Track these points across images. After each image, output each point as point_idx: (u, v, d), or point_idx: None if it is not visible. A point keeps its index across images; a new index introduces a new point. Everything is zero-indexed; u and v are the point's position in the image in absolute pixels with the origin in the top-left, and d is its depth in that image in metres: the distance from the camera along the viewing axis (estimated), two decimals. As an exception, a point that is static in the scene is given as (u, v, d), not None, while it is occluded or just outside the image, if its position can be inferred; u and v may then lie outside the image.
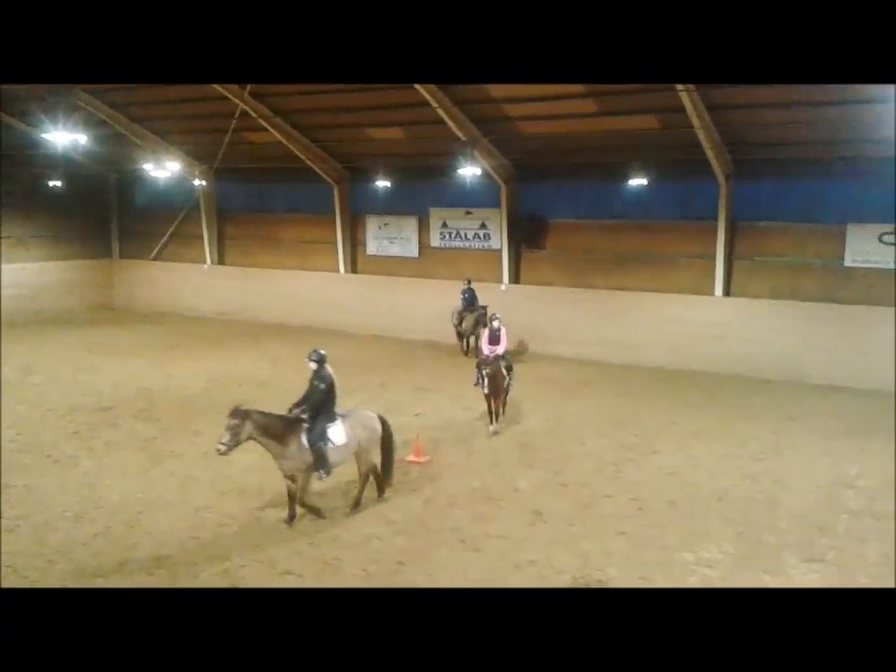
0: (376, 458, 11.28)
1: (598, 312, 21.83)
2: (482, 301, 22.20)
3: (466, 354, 21.76)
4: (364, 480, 11.08)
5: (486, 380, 14.46)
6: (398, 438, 13.59)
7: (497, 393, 14.67)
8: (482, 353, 15.30)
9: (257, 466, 12.68)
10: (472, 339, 21.83)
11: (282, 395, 17.34)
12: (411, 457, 12.99)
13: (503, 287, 23.10)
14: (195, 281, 29.23)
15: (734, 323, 20.12)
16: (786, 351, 19.44)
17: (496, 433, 14.59)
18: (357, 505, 10.92)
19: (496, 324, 15.20)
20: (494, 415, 14.76)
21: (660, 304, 21.13)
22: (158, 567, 9.16)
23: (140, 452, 13.38)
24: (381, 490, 11.33)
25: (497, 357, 14.79)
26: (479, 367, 14.82)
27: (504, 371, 14.74)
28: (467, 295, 22.19)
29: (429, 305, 24.06)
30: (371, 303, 25.43)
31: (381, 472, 11.28)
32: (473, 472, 12.57)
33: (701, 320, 20.44)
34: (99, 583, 8.72)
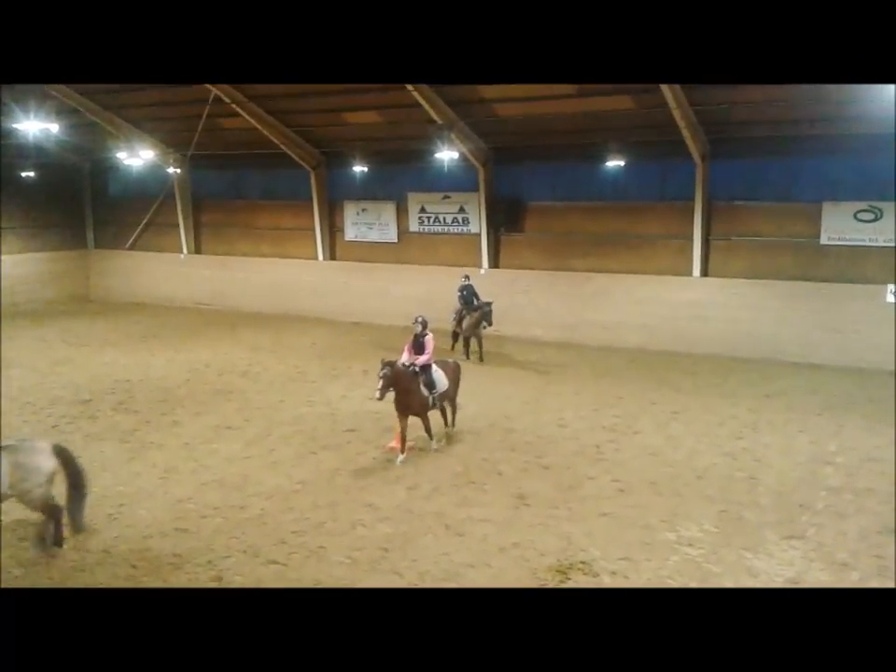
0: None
1: (577, 294, 21.89)
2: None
3: (468, 357, 19.20)
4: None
5: (379, 391, 11.81)
6: (382, 424, 13.65)
7: (404, 411, 12.31)
8: (392, 363, 12.16)
9: (238, 455, 12.68)
10: (473, 341, 19.45)
11: (264, 384, 17.38)
12: (393, 444, 12.98)
13: (482, 272, 23.08)
14: (172, 270, 28.99)
15: (711, 303, 20.26)
16: (763, 330, 19.62)
17: (437, 450, 12.75)
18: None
19: (419, 327, 12.78)
20: (428, 433, 12.76)
21: (638, 286, 21.22)
22: (141, 560, 9.11)
23: (120, 444, 13.29)
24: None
25: (415, 372, 12.39)
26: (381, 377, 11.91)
27: (423, 389, 12.37)
28: (465, 292, 19.73)
29: (409, 291, 24.00)
30: (350, 290, 25.35)
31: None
32: (456, 457, 12.59)
33: (679, 301, 20.56)
34: (82, 577, 8.67)
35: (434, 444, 12.78)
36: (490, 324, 18.93)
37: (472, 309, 19.25)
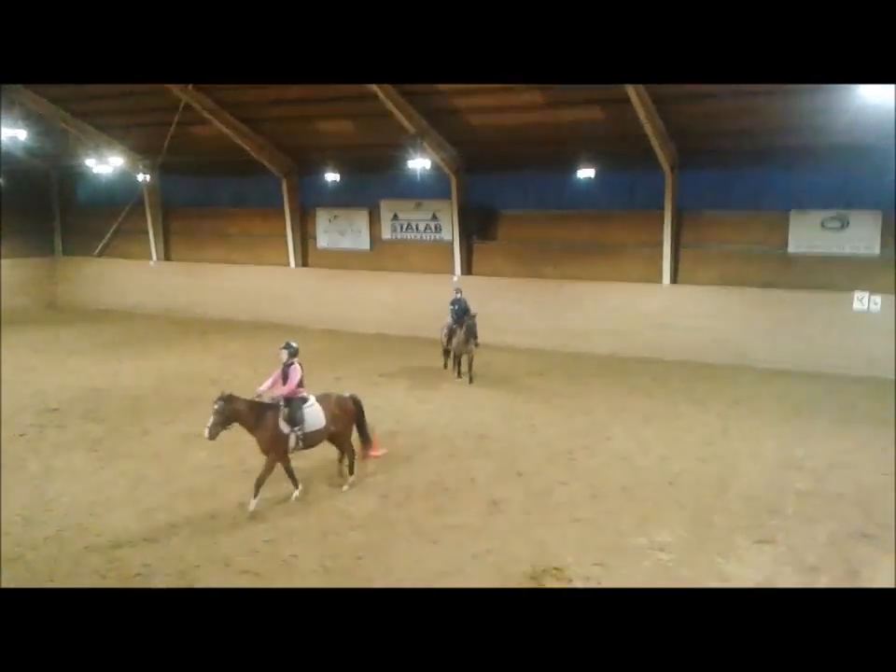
0: None
1: (549, 301, 22.02)
2: (434, 294, 21.96)
3: (459, 376, 18.25)
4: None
5: (209, 428, 10.34)
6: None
7: (262, 450, 10.86)
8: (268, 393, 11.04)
9: (208, 464, 12.56)
10: (465, 359, 18.22)
11: (234, 392, 17.19)
12: (372, 452, 12.94)
13: (455, 279, 23.13)
14: (141, 278, 28.76)
15: (681, 310, 20.48)
16: (732, 337, 19.87)
17: (297, 498, 11.08)
18: None
19: (284, 355, 11.09)
20: (290, 477, 11.07)
21: (609, 293, 21.40)
22: (110, 570, 8.99)
23: (89, 453, 13.11)
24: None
25: (268, 405, 10.78)
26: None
27: (282, 425, 10.69)
28: (456, 306, 18.34)
29: (382, 298, 24.03)
30: (322, 297, 25.29)
31: None
32: (429, 464, 12.58)
33: (649, 308, 20.76)
34: (49, 586, 8.54)
35: (296, 493, 10.98)
36: (475, 337, 17.69)
37: (460, 324, 17.91)
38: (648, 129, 18.21)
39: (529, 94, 18.53)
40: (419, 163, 20.23)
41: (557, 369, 19.61)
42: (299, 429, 10.81)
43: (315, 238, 26.02)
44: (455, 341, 17.99)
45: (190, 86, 20.65)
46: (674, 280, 20.88)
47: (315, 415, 11.00)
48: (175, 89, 20.69)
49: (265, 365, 19.78)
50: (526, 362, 20.16)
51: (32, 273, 29.82)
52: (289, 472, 11.04)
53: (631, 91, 16.71)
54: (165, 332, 24.57)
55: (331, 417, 11.23)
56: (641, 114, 17.56)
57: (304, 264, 26.31)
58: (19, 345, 22.31)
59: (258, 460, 12.68)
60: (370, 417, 14.56)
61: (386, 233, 24.65)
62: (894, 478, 11.67)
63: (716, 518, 10.46)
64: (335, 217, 25.46)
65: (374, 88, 18.71)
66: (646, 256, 21.13)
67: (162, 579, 8.79)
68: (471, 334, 17.59)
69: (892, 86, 11.02)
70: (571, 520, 10.38)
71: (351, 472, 11.65)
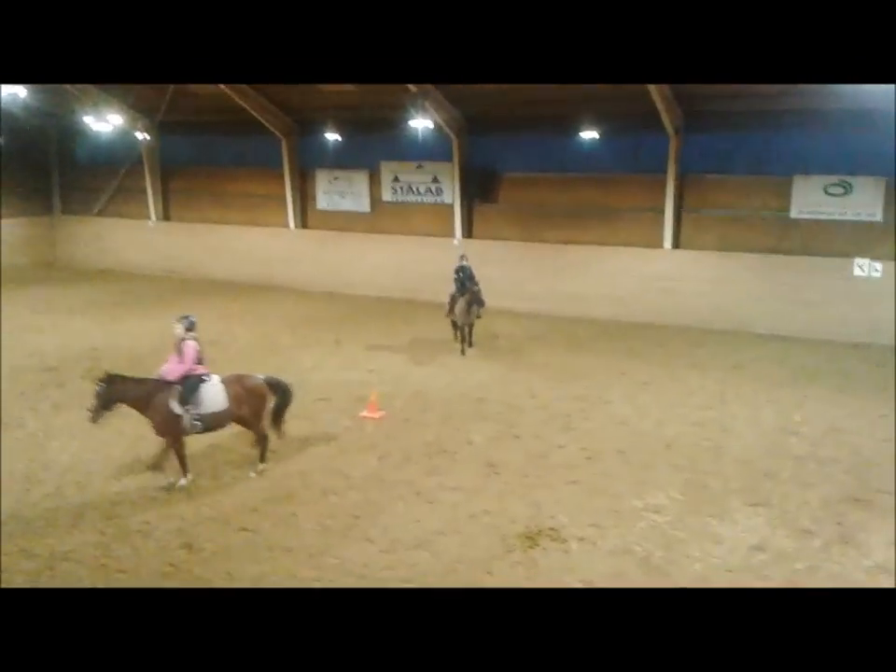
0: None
1: (550, 265, 21.93)
2: (435, 257, 21.91)
3: (462, 352, 17.22)
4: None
5: (91, 412, 9.89)
6: (354, 393, 13.64)
7: (156, 433, 10.25)
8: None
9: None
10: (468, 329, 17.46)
11: (233, 353, 17.26)
12: (365, 413, 13.01)
13: (456, 242, 23.02)
14: (140, 237, 28.63)
15: (682, 275, 20.40)
16: (733, 302, 19.82)
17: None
18: None
19: (179, 329, 10.19)
20: (182, 467, 10.26)
21: (610, 257, 21.31)
22: (109, 526, 9.08)
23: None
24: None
25: (157, 384, 10.12)
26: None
27: (174, 406, 9.91)
28: (461, 274, 17.59)
29: (382, 260, 23.95)
30: (322, 259, 25.20)
31: None
32: (427, 426, 12.64)
33: (650, 273, 20.68)
34: (49, 543, 8.63)
35: (182, 481, 10.17)
36: (481, 306, 17.11)
37: (464, 293, 17.15)
38: (653, 91, 17.98)
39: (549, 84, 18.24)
40: (420, 124, 20.01)
41: (557, 333, 19.61)
42: (193, 409, 9.95)
43: (314, 199, 25.84)
44: (456, 309, 17.23)
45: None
46: (676, 245, 20.77)
47: (213, 396, 10.12)
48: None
49: (263, 325, 19.87)
50: (526, 326, 20.14)
51: (30, 232, 29.69)
52: (181, 458, 10.19)
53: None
54: (164, 293, 24.52)
55: (236, 399, 10.30)
56: (645, 76, 17.32)
57: (304, 226, 26.16)
58: (18, 305, 22.27)
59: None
60: (368, 379, 14.63)
61: (387, 195, 24.48)
62: (893, 444, 11.70)
63: (711, 481, 10.53)
64: (335, 178, 25.27)
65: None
66: (648, 220, 21.00)
67: (161, 536, 8.88)
68: (476, 301, 16.99)
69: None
70: (567, 482, 10.45)
71: (262, 460, 10.73)
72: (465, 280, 17.44)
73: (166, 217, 28.63)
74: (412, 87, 19.81)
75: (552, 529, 9.07)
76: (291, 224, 26.05)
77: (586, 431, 12.50)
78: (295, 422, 12.72)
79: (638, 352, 17.67)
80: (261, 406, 10.66)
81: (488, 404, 13.84)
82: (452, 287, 17.61)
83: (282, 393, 10.88)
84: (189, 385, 10.02)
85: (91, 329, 19.29)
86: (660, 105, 18.56)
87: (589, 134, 20.26)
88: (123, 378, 10.08)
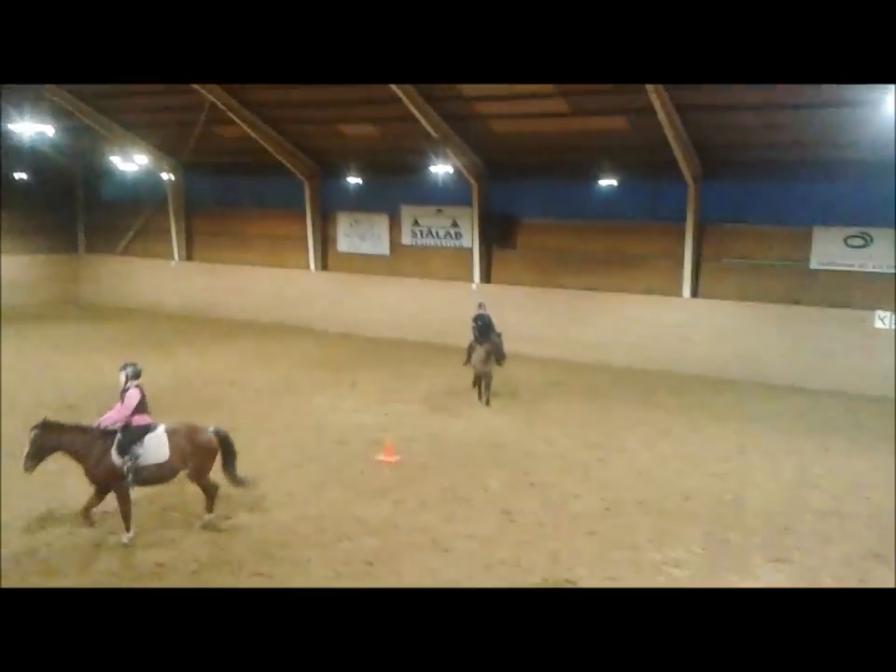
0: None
1: (568, 312, 21.94)
2: (453, 301, 21.94)
3: (483, 401, 16.63)
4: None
5: (26, 460, 9.44)
6: (370, 437, 13.60)
7: (94, 482, 9.82)
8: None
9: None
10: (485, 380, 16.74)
11: (251, 393, 17.32)
12: (381, 457, 12.96)
13: (474, 287, 23.12)
14: (162, 277, 28.93)
15: (700, 324, 20.34)
16: (751, 352, 19.70)
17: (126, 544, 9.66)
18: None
19: (122, 377, 10.04)
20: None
21: (628, 305, 21.29)
22: (124, 567, 9.04)
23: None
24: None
25: (94, 433, 9.67)
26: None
27: (113, 456, 9.53)
28: (479, 322, 17.10)
29: (400, 303, 24.05)
30: (341, 301, 25.35)
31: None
32: (444, 472, 12.56)
33: (669, 321, 20.63)
34: (64, 583, 8.59)
35: (125, 538, 9.63)
36: (502, 358, 16.56)
37: (483, 342, 16.62)
38: (672, 139, 18.12)
39: (553, 102, 18.51)
40: (441, 169, 20.25)
41: (574, 380, 19.55)
42: (130, 461, 9.52)
43: (335, 241, 26.10)
44: (474, 358, 16.73)
45: (217, 86, 20.78)
46: (694, 294, 20.75)
47: (155, 447, 9.72)
48: (202, 88, 20.83)
49: (283, 367, 19.93)
50: (543, 372, 20.09)
51: (55, 270, 30.09)
52: (125, 513, 9.68)
53: (655, 100, 16.64)
54: (185, 332, 24.71)
55: (179, 451, 9.87)
56: (666, 124, 17.49)
57: (324, 267, 26.38)
58: (41, 342, 22.51)
59: (268, 466, 12.72)
60: (384, 423, 14.61)
61: (407, 239, 24.68)
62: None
63: (731, 535, 10.37)
64: (356, 220, 25.53)
65: (398, 92, 18.75)
66: (666, 268, 21.01)
67: (175, 578, 8.82)
68: (496, 353, 16.42)
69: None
70: (585, 532, 10.33)
71: (208, 510, 10.22)
72: (483, 329, 16.97)
73: (189, 257, 28.96)
74: (433, 133, 20.08)
75: (568, 581, 8.94)
76: (312, 266, 26.27)
77: (604, 480, 12.38)
78: (310, 465, 12.73)
79: (656, 400, 17.56)
80: (208, 459, 10.20)
81: (505, 450, 13.76)
82: (470, 336, 17.20)
83: (227, 445, 10.35)
84: (130, 435, 9.65)
85: (111, 368, 19.20)
86: (678, 154, 18.69)
87: (607, 182, 20.39)
88: (61, 425, 9.64)
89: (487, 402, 16.62)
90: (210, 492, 10.24)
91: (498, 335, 16.76)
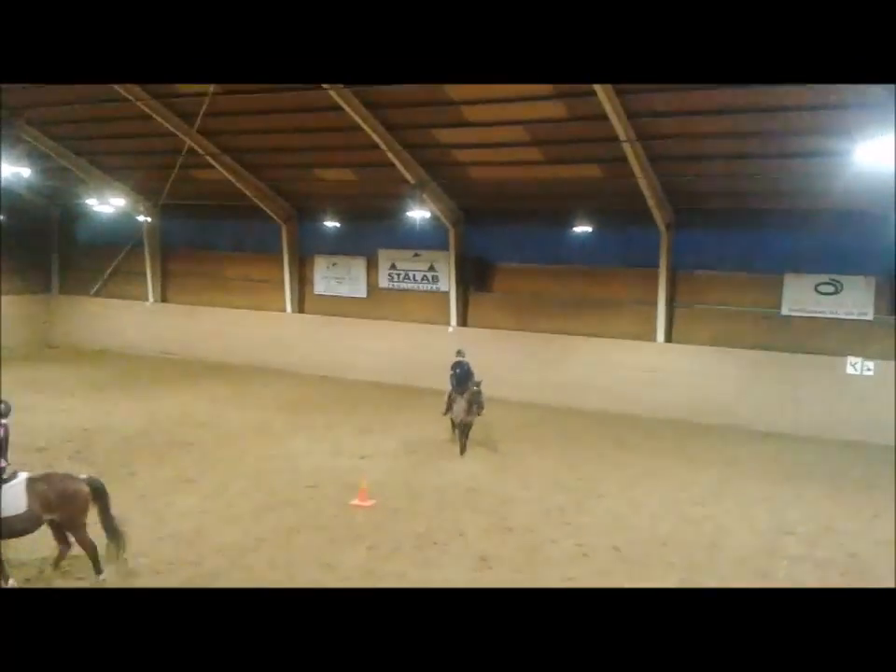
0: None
1: (543, 355, 22.02)
2: (430, 344, 21.95)
3: (461, 451, 16.19)
4: None
5: None
6: (344, 481, 13.47)
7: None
8: None
9: (194, 509, 12.42)
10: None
11: (224, 436, 17.14)
12: (355, 501, 12.84)
13: (451, 330, 23.17)
14: (137, 319, 28.71)
15: (674, 369, 20.48)
16: (725, 397, 19.84)
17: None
18: None
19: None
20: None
21: (603, 349, 21.42)
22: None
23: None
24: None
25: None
26: None
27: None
28: (458, 370, 16.77)
29: (377, 346, 24.02)
30: (317, 343, 25.28)
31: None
32: (418, 516, 12.46)
33: (643, 365, 20.76)
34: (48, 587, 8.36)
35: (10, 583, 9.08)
36: (481, 409, 16.24)
37: (462, 391, 16.29)
38: (644, 188, 18.43)
39: (528, 151, 18.82)
40: (418, 214, 20.41)
41: (549, 423, 19.56)
42: None
43: (312, 284, 26.11)
44: (455, 408, 16.28)
45: (195, 128, 20.88)
46: (668, 338, 20.93)
47: (11, 498, 8.98)
48: (179, 132, 20.92)
49: (257, 409, 19.78)
50: (519, 415, 20.07)
51: (28, 311, 29.74)
52: None
53: (628, 149, 16.96)
54: (159, 374, 24.48)
55: (41, 502, 9.15)
56: (638, 173, 17.79)
57: (301, 310, 26.34)
58: (12, 383, 22.04)
59: (246, 506, 12.59)
60: (359, 466, 14.46)
61: (384, 282, 24.75)
62: (891, 546, 11.53)
63: (706, 581, 10.33)
64: (333, 264, 25.58)
65: (375, 138, 18.95)
66: (640, 313, 21.20)
67: (143, 627, 8.62)
68: (476, 404, 16.06)
69: (886, 153, 11.11)
70: (562, 579, 10.25)
71: (97, 571, 9.51)
72: (462, 377, 16.57)
73: (164, 298, 28.80)
74: (410, 178, 20.28)
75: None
76: (289, 308, 26.22)
77: (580, 525, 12.33)
78: (283, 509, 12.57)
79: (630, 444, 17.60)
80: (79, 510, 9.48)
81: (480, 495, 13.68)
82: (448, 385, 16.79)
83: (101, 495, 9.73)
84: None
85: (83, 410, 19.16)
86: (651, 202, 18.99)
87: (582, 228, 20.64)
88: None
89: (461, 450, 16.23)
90: (88, 550, 9.50)
91: (478, 384, 16.25)
